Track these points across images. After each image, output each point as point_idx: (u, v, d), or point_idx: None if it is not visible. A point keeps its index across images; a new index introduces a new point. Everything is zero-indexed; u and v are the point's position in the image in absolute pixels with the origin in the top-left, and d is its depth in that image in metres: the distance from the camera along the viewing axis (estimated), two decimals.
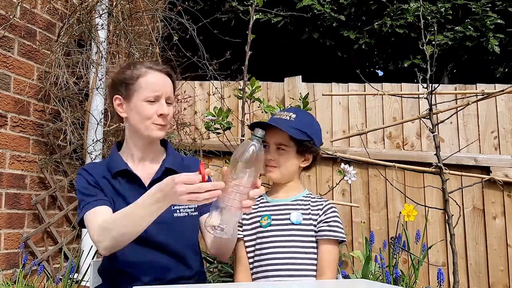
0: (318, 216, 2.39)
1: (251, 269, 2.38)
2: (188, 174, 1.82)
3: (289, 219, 2.36)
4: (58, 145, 4.30)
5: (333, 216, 2.40)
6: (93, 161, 4.21)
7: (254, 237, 2.37)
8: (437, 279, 3.60)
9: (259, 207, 2.43)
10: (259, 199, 2.46)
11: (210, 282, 3.45)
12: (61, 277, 3.85)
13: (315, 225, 2.38)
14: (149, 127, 2.26)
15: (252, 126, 2.30)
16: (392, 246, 4.01)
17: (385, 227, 5.04)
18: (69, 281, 3.73)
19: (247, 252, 2.40)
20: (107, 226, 2.05)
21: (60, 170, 4.38)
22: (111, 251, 2.10)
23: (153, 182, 2.24)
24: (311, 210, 2.41)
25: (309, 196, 2.48)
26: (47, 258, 4.18)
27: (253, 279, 2.36)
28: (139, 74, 2.27)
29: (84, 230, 4.23)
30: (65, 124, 4.19)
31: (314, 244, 2.37)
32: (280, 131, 2.32)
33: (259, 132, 1.91)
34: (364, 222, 5.05)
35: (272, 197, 2.46)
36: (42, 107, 4.24)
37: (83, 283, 3.86)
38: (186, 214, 2.34)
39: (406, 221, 4.33)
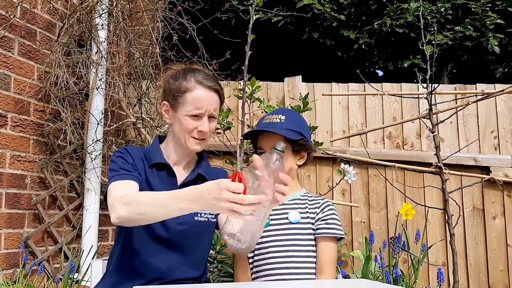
0: (315, 214, 2.41)
1: (251, 268, 2.39)
2: (234, 182, 1.75)
3: (287, 218, 2.37)
4: (58, 145, 4.30)
5: (331, 214, 2.42)
6: (93, 161, 4.22)
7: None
8: (437, 279, 3.60)
9: None
10: None
11: (210, 282, 3.45)
12: (61, 277, 3.84)
13: (313, 223, 2.40)
14: (189, 140, 2.32)
15: (247, 135, 2.34)
16: (392, 246, 4.02)
17: (385, 227, 5.04)
18: (69, 281, 3.73)
19: None
20: (130, 198, 2.06)
21: (60, 170, 4.38)
22: (122, 223, 2.07)
23: (185, 184, 2.32)
24: (309, 208, 2.43)
25: (307, 195, 2.49)
26: (47, 258, 4.18)
27: (253, 279, 2.37)
28: (187, 88, 2.29)
29: (84, 230, 4.23)
30: (65, 124, 4.19)
31: (313, 243, 2.38)
32: (274, 135, 2.36)
33: (281, 145, 1.87)
34: (364, 222, 5.06)
35: None
36: (42, 107, 4.24)
37: (83, 283, 3.86)
38: (206, 219, 2.39)
39: (406, 221, 4.34)
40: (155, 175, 2.36)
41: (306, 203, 2.45)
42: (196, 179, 2.39)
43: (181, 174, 2.41)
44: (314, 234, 2.39)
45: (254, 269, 2.38)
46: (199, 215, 2.36)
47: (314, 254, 2.39)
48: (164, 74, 2.51)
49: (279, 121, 2.40)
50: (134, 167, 2.31)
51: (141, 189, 2.25)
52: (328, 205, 2.47)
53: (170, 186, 2.28)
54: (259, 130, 2.36)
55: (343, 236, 2.44)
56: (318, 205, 2.45)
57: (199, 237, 2.39)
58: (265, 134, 2.35)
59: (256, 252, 2.37)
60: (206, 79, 2.33)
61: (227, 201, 1.72)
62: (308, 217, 2.41)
